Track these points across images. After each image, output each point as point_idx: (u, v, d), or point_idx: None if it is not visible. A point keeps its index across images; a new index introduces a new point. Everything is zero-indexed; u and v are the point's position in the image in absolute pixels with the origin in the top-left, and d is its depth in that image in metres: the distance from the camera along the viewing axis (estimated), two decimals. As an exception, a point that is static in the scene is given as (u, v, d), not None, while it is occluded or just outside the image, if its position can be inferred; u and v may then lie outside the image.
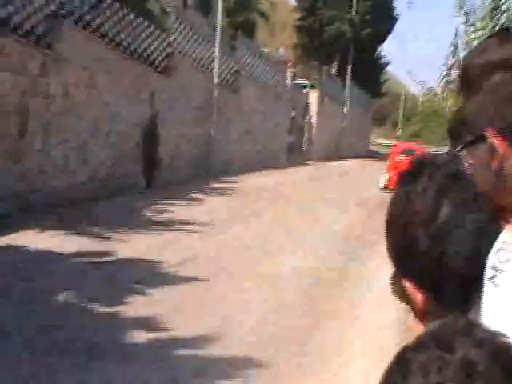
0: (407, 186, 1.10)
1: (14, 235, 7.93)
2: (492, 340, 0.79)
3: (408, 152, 16.53)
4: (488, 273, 1.04)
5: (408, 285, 1.08)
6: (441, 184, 1.07)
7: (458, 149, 1.17)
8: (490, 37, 1.27)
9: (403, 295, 1.09)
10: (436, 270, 1.05)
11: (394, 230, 1.11)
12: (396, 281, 1.11)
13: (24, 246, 7.51)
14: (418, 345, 0.81)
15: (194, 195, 12.67)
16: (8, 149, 9.15)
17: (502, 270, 1.02)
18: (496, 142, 1.07)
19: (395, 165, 16.40)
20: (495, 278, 1.02)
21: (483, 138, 1.10)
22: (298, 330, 5.83)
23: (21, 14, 9.46)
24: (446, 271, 1.04)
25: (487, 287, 1.03)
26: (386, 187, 16.17)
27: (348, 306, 6.63)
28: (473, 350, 0.77)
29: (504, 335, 0.80)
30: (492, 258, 1.04)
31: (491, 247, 1.05)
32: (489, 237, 1.06)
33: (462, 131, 1.16)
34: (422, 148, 16.69)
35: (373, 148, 40.17)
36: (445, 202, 1.07)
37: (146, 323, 5.61)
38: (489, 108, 1.08)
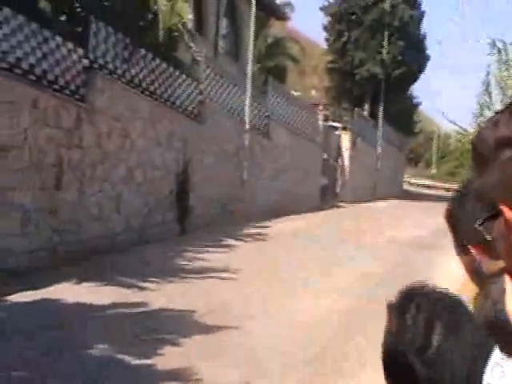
0: (397, 319, 1.14)
1: (49, 287, 8.03)
2: None
3: None
4: None
5: None
6: (429, 312, 1.11)
7: (477, 224, 1.18)
8: (502, 110, 1.29)
9: None
10: None
11: (391, 363, 1.14)
12: None
13: (59, 299, 7.60)
14: None
15: (226, 241, 12.69)
16: (45, 201, 9.33)
17: None
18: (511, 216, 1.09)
19: None
20: None
21: (499, 213, 1.12)
22: (329, 380, 5.77)
23: (56, 69, 9.73)
24: None
25: None
26: None
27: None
28: None
29: None
30: (488, 376, 1.05)
31: (487, 364, 1.06)
32: (484, 355, 1.08)
33: (460, 215, 1.17)
34: None
35: (410, 188, 39.91)
36: (435, 329, 1.09)
37: (179, 374, 5.61)
38: (502, 184, 1.10)
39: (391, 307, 1.16)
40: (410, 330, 1.10)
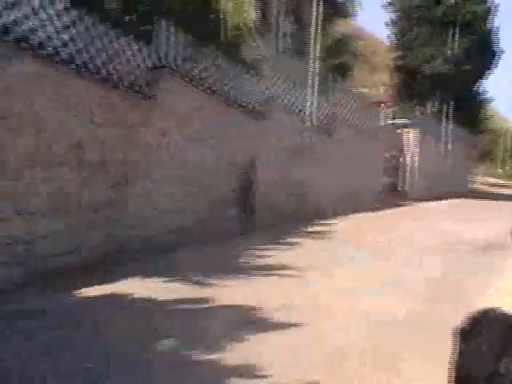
0: (468, 346, 1.14)
1: (117, 283, 8.20)
2: None
3: None
4: None
5: None
6: (497, 340, 1.11)
7: None
8: None
9: None
10: None
11: None
12: None
13: (127, 293, 7.75)
14: None
15: (289, 239, 12.67)
16: (112, 197, 9.52)
17: None
18: None
19: None
20: None
21: None
22: (397, 377, 5.69)
23: (122, 68, 9.91)
24: None
25: None
26: None
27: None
28: None
29: None
30: None
31: None
32: None
33: None
34: None
35: (476, 186, 39.11)
36: (504, 356, 1.10)
37: (244, 371, 5.63)
38: None
39: (460, 332, 1.15)
40: (480, 357, 1.11)
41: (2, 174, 7.48)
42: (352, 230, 14.79)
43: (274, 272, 9.46)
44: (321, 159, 17.86)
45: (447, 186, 29.95)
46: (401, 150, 25.97)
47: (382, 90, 28.20)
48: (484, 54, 32.11)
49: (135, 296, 7.69)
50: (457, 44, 31.21)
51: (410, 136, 26.26)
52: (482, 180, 44.56)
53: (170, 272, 8.94)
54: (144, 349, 5.99)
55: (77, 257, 8.63)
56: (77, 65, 8.92)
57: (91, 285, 7.92)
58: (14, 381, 5.16)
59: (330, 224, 15.23)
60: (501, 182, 45.35)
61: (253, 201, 13.72)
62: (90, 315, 6.95)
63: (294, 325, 6.98)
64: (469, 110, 32.56)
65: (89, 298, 7.51)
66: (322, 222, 15.39)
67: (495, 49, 33.30)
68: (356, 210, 18.05)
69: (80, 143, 8.85)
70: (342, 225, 15.39)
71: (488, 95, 36.24)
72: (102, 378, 5.31)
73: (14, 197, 7.70)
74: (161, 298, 7.63)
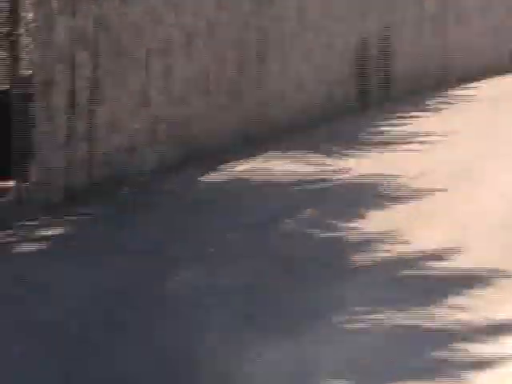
0: None
1: (257, 158, 8.60)
2: None
3: None
4: None
5: None
6: None
7: None
8: None
9: None
10: None
11: None
12: None
13: (268, 168, 8.14)
14: None
15: (424, 110, 12.32)
16: (250, 74, 9.70)
17: None
18: None
19: None
20: None
21: None
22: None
23: None
24: None
25: None
26: None
27: None
28: None
29: None
30: None
31: None
32: None
33: None
34: None
35: None
36: None
37: (386, 237, 5.77)
38: None
39: None
40: None
41: (143, 58, 7.77)
42: (489, 96, 14.10)
43: (410, 141, 9.37)
44: (463, 24, 17.05)
45: None
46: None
47: None
48: None
49: (275, 170, 8.05)
50: None
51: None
52: None
53: (306, 147, 9.11)
54: (268, 230, 6.22)
55: (218, 138, 8.97)
56: None
57: (236, 163, 8.33)
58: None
59: (467, 92, 14.61)
60: None
61: (388, 71, 13.48)
62: (240, 188, 7.49)
63: (432, 191, 7.01)
64: None
65: (234, 175, 7.96)
66: (463, 87, 14.82)
67: None
68: (492, 75, 17.17)
69: (211, 24, 8.99)
70: (479, 91, 14.70)
71: None
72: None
73: (156, 79, 8.07)
74: (301, 171, 7.94)
